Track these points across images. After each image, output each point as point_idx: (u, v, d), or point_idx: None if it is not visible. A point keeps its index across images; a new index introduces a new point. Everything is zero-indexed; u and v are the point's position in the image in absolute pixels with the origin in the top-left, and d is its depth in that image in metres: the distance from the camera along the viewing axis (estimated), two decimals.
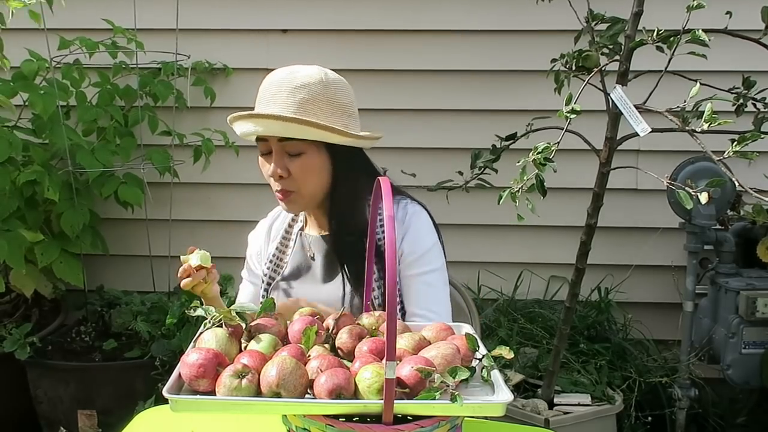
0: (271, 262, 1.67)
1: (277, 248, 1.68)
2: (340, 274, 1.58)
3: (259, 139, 1.52)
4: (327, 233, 1.62)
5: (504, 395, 1.03)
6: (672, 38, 1.92)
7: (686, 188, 1.72)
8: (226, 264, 1.89)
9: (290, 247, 1.68)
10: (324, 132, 1.47)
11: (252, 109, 1.51)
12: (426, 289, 1.56)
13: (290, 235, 1.69)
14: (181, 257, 1.44)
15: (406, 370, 1.00)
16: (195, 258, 1.42)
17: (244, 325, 1.17)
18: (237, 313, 1.16)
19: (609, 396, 2.48)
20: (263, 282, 1.67)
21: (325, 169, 1.54)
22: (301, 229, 1.69)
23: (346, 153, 1.55)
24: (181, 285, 1.44)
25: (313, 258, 1.64)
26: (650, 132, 1.86)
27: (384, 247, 1.45)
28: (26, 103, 2.72)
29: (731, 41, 2.10)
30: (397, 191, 1.64)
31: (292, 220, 1.70)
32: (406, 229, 1.57)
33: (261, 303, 1.29)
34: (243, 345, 1.16)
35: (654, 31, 1.93)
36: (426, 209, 1.63)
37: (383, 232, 1.48)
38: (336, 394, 0.98)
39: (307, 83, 1.49)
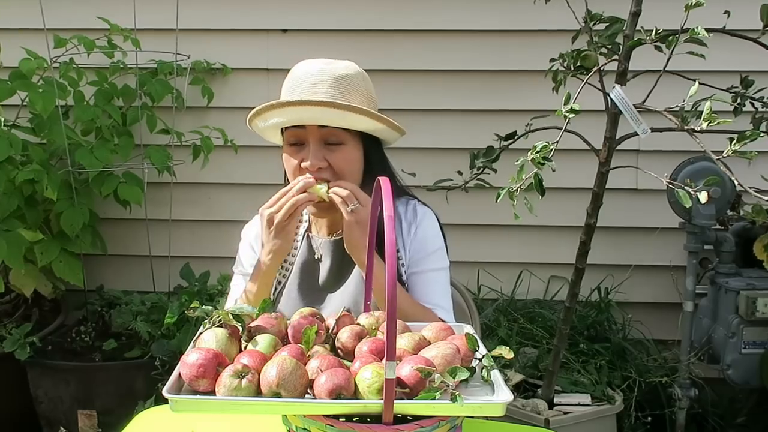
0: None
1: None
2: (347, 281, 1.54)
3: (289, 129, 1.47)
4: (340, 236, 1.55)
5: (504, 395, 1.03)
6: (671, 37, 1.92)
7: (686, 187, 1.72)
8: (226, 264, 1.89)
9: (297, 248, 1.62)
10: (377, 123, 1.45)
11: (252, 108, 1.49)
12: (433, 284, 1.56)
13: (296, 236, 1.62)
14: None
15: (406, 370, 1.00)
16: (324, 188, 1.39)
17: (240, 328, 1.17)
18: (233, 315, 1.16)
19: (609, 396, 2.48)
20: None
21: (360, 164, 1.52)
22: (307, 230, 1.64)
23: (378, 150, 1.55)
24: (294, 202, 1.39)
25: (319, 260, 1.60)
26: (650, 132, 1.86)
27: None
28: (24, 103, 2.72)
29: (729, 41, 2.10)
30: (407, 193, 1.64)
31: (297, 221, 1.62)
32: (416, 229, 1.56)
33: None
34: (243, 345, 1.16)
35: (652, 30, 1.93)
36: (434, 213, 1.63)
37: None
38: (336, 394, 0.98)
39: (348, 74, 1.48)
